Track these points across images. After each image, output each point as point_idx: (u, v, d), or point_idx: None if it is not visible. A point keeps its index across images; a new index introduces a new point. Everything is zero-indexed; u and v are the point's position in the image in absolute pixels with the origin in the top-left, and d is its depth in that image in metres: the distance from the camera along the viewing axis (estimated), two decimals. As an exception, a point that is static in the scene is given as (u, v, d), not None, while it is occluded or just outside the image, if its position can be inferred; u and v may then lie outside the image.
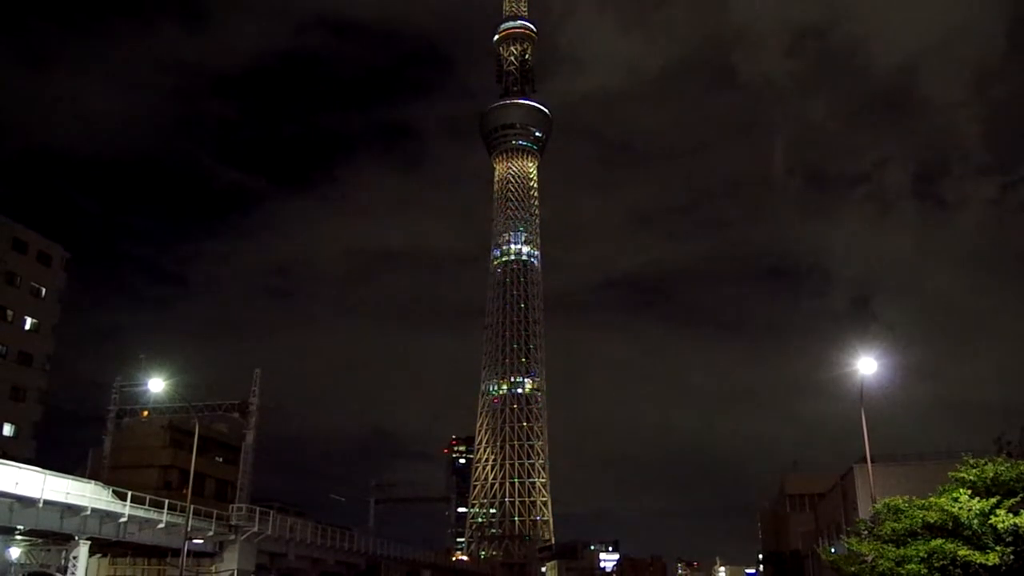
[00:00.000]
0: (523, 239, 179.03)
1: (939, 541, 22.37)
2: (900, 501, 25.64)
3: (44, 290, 67.77)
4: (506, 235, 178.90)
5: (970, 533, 22.09)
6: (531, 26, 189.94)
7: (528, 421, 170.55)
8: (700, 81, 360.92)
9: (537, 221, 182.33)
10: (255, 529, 50.32)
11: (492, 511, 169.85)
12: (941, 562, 21.96)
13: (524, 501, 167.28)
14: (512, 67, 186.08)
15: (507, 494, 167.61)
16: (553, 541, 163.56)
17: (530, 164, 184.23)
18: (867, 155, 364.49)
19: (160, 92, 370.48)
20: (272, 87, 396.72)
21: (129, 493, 42.00)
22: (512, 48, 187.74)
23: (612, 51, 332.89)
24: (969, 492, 22.97)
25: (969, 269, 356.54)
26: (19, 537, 39.95)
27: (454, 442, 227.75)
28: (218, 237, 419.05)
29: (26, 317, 66.14)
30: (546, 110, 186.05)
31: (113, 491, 41.85)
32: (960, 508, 22.47)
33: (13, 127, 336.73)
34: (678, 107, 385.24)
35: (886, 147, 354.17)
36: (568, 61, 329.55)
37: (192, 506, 42.64)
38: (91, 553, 40.92)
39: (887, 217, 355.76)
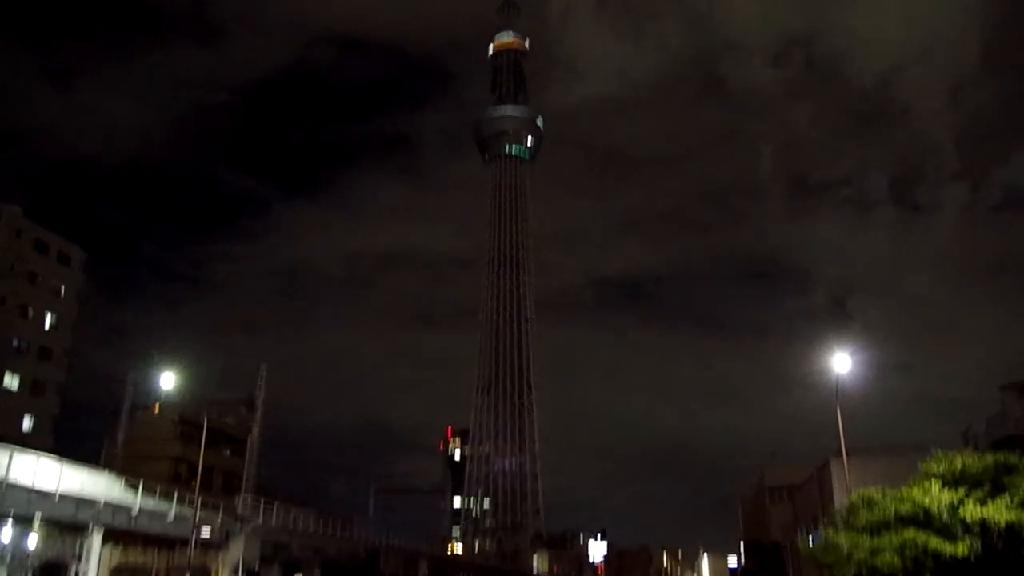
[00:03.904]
0: (515, 241, 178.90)
1: (911, 532, 22.40)
2: (874, 493, 25.72)
3: (63, 289, 67.61)
4: (499, 237, 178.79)
5: (940, 524, 22.14)
6: (524, 39, 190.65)
7: (521, 416, 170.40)
8: (690, 90, 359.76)
9: (529, 224, 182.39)
10: (260, 520, 50.17)
11: (486, 502, 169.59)
12: (913, 552, 22.02)
13: (516, 493, 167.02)
14: (505, 78, 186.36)
15: (500, 486, 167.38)
16: (544, 531, 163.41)
17: (522, 170, 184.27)
18: (847, 161, 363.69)
19: (176, 104, 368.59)
20: (281, 99, 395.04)
21: (140, 484, 41.85)
22: (506, 60, 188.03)
23: (606, 61, 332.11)
24: (939, 484, 23.03)
25: (942, 270, 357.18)
26: (35, 526, 39.74)
27: (450, 436, 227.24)
28: (229, 241, 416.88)
29: (46, 315, 65.96)
30: (538, 118, 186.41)
31: (126, 481, 41.69)
32: (931, 500, 22.53)
33: (37, 138, 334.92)
34: (668, 115, 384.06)
35: (865, 153, 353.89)
36: (564, 70, 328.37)
37: (200, 498, 42.54)
38: (104, 542, 40.75)
39: (865, 220, 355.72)
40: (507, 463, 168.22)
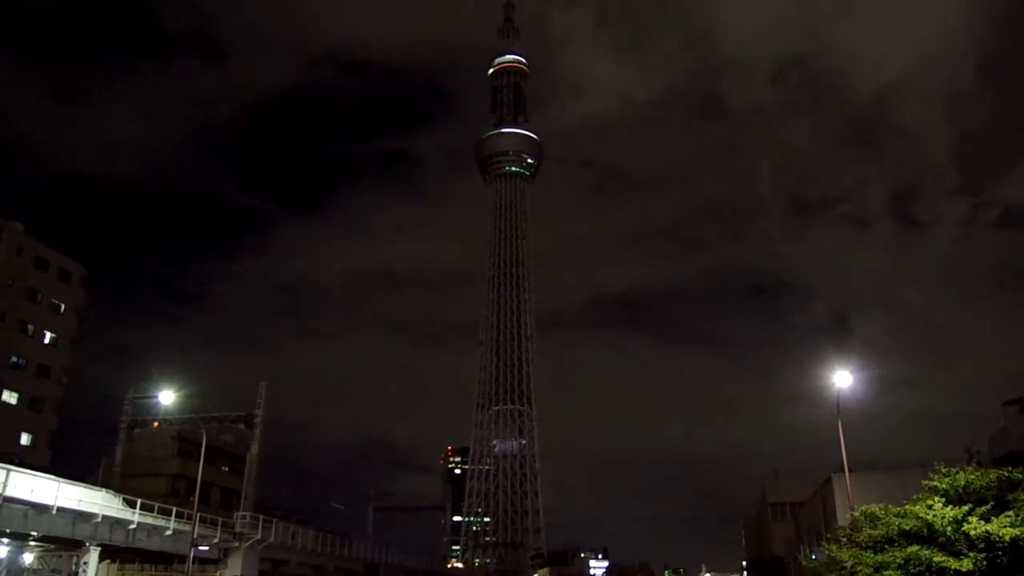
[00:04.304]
0: (515, 260, 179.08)
1: (915, 547, 22.18)
2: (877, 509, 25.50)
3: (63, 306, 67.52)
4: (499, 255, 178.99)
5: (944, 540, 21.93)
6: (523, 60, 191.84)
7: (521, 433, 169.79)
8: (689, 108, 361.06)
9: (529, 242, 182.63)
10: (258, 536, 49.77)
11: (486, 519, 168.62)
12: (917, 568, 21.77)
13: (517, 510, 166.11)
14: (505, 98, 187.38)
15: (500, 503, 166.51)
16: (545, 548, 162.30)
17: (522, 189, 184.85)
18: (846, 177, 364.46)
19: (179, 122, 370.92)
20: (283, 118, 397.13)
21: (139, 501, 41.53)
22: (505, 80, 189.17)
23: (606, 80, 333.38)
24: (943, 500, 22.82)
25: (942, 285, 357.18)
26: (32, 543, 39.43)
27: (450, 453, 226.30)
28: (231, 258, 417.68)
29: (45, 331, 65.84)
30: (537, 138, 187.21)
31: (123, 499, 41.38)
32: (934, 516, 22.32)
33: (42, 155, 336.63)
34: (667, 133, 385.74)
35: (864, 169, 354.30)
36: (564, 89, 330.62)
37: (198, 514, 42.19)
38: (100, 559, 40.39)
39: (865, 236, 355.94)
40: (507, 480, 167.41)
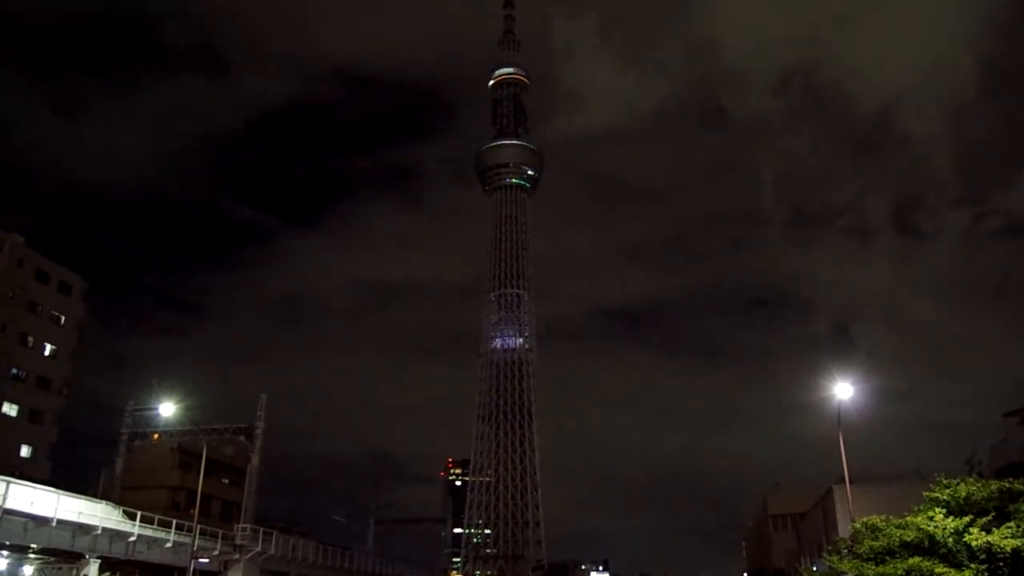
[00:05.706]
0: (516, 272, 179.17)
1: (916, 559, 22.11)
2: (878, 520, 25.41)
3: (63, 318, 67.64)
4: (500, 269, 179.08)
5: (946, 551, 21.87)
6: (524, 72, 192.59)
7: (522, 445, 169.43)
8: (691, 119, 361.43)
9: (530, 255, 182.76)
10: (258, 548, 49.68)
11: (486, 531, 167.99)
12: (918, 579, 21.71)
13: (518, 521, 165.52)
14: (506, 110, 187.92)
15: (501, 515, 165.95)
16: (545, 560, 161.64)
17: (523, 200, 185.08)
18: (848, 188, 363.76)
19: (181, 135, 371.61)
20: (285, 131, 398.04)
21: (139, 513, 41.49)
22: (506, 92, 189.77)
23: (608, 91, 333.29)
24: (944, 511, 22.79)
25: (944, 295, 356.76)
26: (32, 555, 39.34)
27: (451, 464, 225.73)
28: (232, 270, 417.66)
29: (46, 343, 65.92)
30: (537, 149, 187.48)
31: (123, 511, 41.33)
32: (935, 527, 22.27)
33: (43, 168, 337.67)
34: (669, 144, 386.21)
35: (866, 180, 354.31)
36: (565, 100, 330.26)
37: (199, 526, 42.12)
38: (100, 571, 40.28)
39: (867, 247, 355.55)
40: (508, 492, 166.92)
